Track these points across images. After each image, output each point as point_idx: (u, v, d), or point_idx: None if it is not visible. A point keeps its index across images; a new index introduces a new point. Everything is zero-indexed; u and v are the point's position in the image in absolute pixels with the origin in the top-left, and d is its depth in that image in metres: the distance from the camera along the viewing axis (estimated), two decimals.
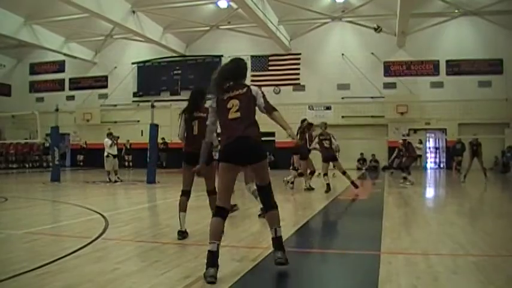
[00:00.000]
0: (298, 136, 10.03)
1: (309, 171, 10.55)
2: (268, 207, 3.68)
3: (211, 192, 4.96)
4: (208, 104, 3.97)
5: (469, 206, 8.17)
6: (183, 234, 4.80)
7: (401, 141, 13.14)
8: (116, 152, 13.77)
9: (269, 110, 3.69)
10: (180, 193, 4.99)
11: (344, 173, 10.17)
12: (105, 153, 13.60)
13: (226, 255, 4.09)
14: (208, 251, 3.32)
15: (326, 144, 10.16)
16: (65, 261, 3.84)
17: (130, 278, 3.35)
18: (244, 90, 3.67)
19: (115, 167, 13.60)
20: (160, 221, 6.61)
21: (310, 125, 10.74)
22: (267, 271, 3.63)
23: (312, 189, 10.42)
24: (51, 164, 15.01)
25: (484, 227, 5.51)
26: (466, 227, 5.53)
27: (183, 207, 4.91)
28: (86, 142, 24.43)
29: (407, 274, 3.43)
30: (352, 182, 10.04)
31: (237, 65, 3.82)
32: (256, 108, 3.70)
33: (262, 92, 3.75)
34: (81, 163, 24.41)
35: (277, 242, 3.64)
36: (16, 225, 5.87)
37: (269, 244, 4.43)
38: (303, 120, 10.84)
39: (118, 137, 14.42)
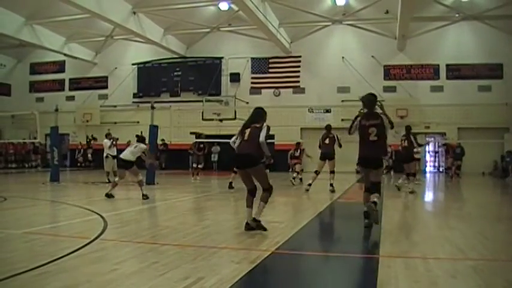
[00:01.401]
0: (405, 141, 10.85)
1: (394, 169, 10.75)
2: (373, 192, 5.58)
3: (265, 190, 5.42)
4: None
5: (468, 210, 8.16)
6: (248, 226, 5.29)
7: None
8: (115, 153, 13.73)
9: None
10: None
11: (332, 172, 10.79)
12: (105, 154, 13.58)
13: (225, 257, 4.09)
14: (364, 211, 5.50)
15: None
16: (63, 261, 3.84)
17: (129, 279, 3.35)
18: (379, 120, 5.63)
19: (114, 167, 13.57)
20: (159, 222, 6.61)
21: (410, 128, 11.24)
22: (265, 273, 3.63)
23: (414, 192, 10.56)
24: (45, 164, 14.90)
25: (483, 231, 5.51)
26: (465, 231, 5.53)
27: (248, 203, 5.45)
28: (81, 143, 24.45)
29: (406, 278, 3.43)
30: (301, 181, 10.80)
31: (374, 98, 5.81)
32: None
33: (388, 118, 5.71)
34: (83, 163, 24.24)
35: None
36: (15, 225, 5.88)
37: (268, 246, 4.45)
38: (407, 126, 11.34)
39: (117, 138, 14.40)
